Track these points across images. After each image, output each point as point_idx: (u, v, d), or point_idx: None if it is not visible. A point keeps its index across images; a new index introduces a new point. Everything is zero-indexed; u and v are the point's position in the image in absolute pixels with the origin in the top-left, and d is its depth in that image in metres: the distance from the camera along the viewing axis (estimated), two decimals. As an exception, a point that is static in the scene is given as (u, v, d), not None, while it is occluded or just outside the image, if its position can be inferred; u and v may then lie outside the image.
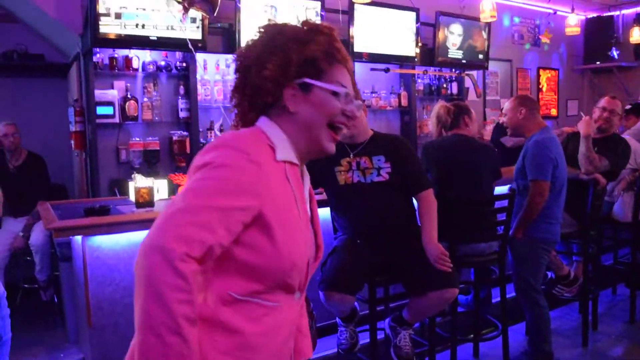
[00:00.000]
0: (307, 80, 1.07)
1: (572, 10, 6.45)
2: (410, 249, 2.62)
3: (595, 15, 7.11)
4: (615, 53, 6.92)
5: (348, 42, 4.99)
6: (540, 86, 6.94)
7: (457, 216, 2.88)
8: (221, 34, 4.54)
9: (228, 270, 0.97)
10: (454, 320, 2.99)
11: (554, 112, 7.09)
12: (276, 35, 1.08)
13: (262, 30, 1.10)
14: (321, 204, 3.13)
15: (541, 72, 6.96)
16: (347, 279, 2.52)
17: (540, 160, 3.00)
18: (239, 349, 0.97)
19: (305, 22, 1.11)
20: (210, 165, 0.95)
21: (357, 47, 5.05)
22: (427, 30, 5.64)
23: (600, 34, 6.99)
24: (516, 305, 3.31)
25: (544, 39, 6.83)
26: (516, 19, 6.72)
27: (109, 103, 4.08)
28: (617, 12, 6.97)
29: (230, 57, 4.51)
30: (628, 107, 4.96)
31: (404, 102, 5.53)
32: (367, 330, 2.84)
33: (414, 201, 2.73)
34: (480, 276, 3.39)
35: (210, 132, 4.48)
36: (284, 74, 1.06)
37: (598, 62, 7.08)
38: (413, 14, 5.36)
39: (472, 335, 3.31)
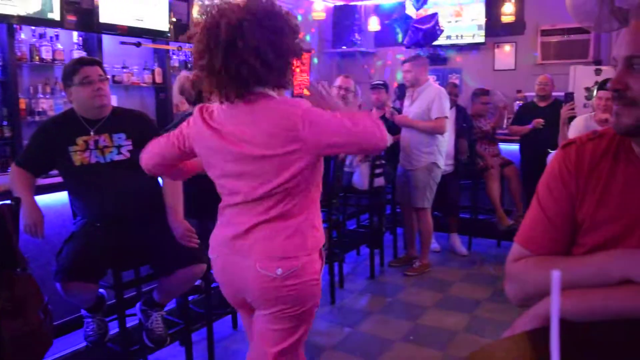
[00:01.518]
0: None
1: (319, -4, 6.92)
2: (155, 228, 2.55)
3: (342, 3, 7.77)
4: (357, 39, 7.67)
5: (93, 12, 4.61)
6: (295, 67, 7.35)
7: (205, 193, 2.88)
8: None
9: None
10: (208, 296, 3.02)
11: (306, 92, 7.59)
12: None
13: None
14: (57, 188, 2.87)
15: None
16: (86, 265, 2.35)
17: None
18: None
19: None
20: None
21: (104, 18, 4.69)
22: (181, 5, 5.51)
23: (346, 20, 7.67)
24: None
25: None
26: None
27: None
28: (360, 2, 7.72)
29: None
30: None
31: (159, 79, 5.34)
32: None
33: (160, 179, 2.65)
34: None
35: None
36: None
37: (344, 47, 7.76)
38: (165, -13, 5.18)
39: (229, 309, 3.37)
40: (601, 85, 3.91)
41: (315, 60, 7.81)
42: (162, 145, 1.87)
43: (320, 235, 1.77)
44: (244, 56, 1.56)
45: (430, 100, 4.33)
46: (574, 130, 3.81)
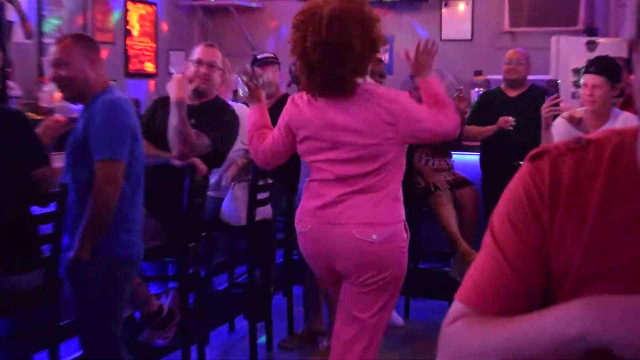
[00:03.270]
0: None
1: None
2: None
3: None
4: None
5: None
6: (130, 27, 7.17)
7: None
8: None
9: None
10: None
11: (150, 67, 7.44)
12: None
13: None
14: None
15: (130, 5, 7.20)
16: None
17: (114, 131, 3.13)
18: None
19: None
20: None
21: None
22: None
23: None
24: None
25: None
26: None
27: None
28: None
29: None
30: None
31: None
32: None
33: None
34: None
35: None
36: None
37: (211, -2, 7.74)
38: None
39: None
40: (587, 67, 4.09)
41: (164, 23, 7.67)
42: (277, 139, 3.15)
43: (403, 208, 3.07)
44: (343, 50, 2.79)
45: None
46: (556, 133, 3.95)
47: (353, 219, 2.88)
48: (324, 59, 2.78)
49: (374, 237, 2.87)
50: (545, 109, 4.06)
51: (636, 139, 1.13)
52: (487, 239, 1.18)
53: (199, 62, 4.10)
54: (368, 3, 2.96)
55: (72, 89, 3.30)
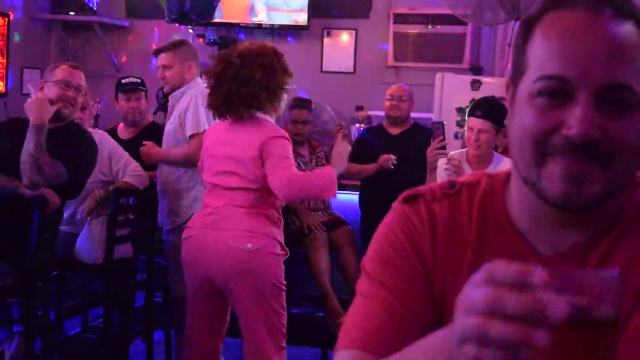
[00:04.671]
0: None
1: None
2: None
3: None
4: (95, 1, 7.54)
5: None
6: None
7: None
8: None
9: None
10: None
11: (-1, 85, 7.20)
12: None
13: None
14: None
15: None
16: None
17: None
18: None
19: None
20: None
21: None
22: None
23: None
24: None
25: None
26: None
27: None
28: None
29: None
30: None
31: None
32: None
33: None
34: None
35: None
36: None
37: (72, 12, 7.56)
38: None
39: None
40: (473, 109, 4.22)
41: (17, 36, 7.47)
42: None
43: (281, 234, 3.71)
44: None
45: (183, 110, 4.56)
46: (438, 175, 4.05)
47: (231, 227, 3.57)
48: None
49: (249, 245, 3.49)
50: (430, 152, 4.14)
51: (506, 186, 1.19)
52: (363, 285, 1.21)
53: (67, 83, 3.99)
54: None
55: None
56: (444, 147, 4.12)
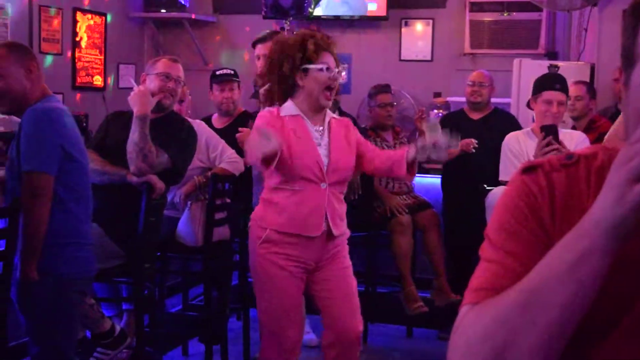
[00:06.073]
0: (305, 66, 3.48)
1: None
2: None
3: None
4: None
5: None
6: (78, 39, 7.12)
7: None
8: None
9: (272, 173, 3.51)
10: None
11: (98, 80, 7.39)
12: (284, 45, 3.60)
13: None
14: None
15: (79, 15, 7.14)
16: None
17: (40, 142, 3.16)
18: (278, 211, 3.54)
19: (300, 33, 3.67)
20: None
21: None
22: None
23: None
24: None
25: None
26: None
27: None
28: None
29: None
30: None
31: None
32: None
33: None
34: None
35: None
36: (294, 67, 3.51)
37: (163, 10, 7.72)
38: None
39: None
40: (551, 83, 4.25)
41: (113, 34, 7.65)
42: None
43: (261, 210, 3.72)
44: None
45: None
46: (509, 148, 4.12)
47: None
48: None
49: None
50: (539, 151, 4.10)
51: None
52: (487, 251, 1.21)
53: (167, 76, 4.11)
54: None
55: (7, 102, 3.30)
56: (557, 149, 4.04)
